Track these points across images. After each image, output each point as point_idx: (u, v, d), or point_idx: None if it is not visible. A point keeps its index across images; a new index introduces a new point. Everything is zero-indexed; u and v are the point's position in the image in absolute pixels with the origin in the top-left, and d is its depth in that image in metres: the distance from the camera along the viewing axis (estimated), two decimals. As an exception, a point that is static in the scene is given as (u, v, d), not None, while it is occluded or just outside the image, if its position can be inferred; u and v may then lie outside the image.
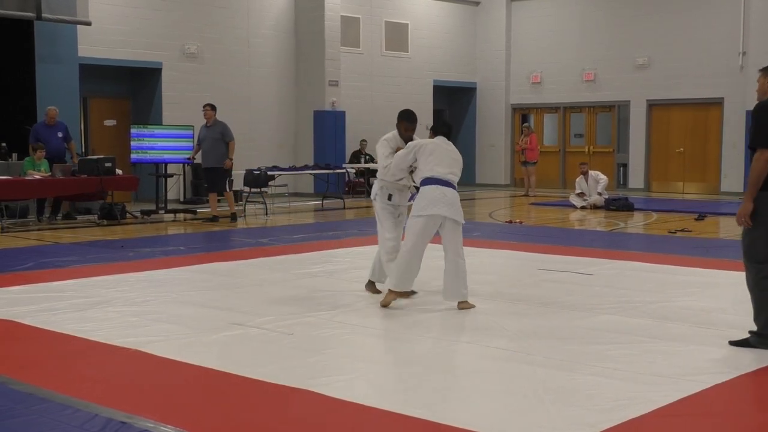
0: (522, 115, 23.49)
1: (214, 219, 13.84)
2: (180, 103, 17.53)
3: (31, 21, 14.61)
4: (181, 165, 17.23)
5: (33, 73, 14.94)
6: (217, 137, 13.76)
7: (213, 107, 13.91)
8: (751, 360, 5.21)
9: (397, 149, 7.07)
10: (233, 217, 14.00)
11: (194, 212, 15.13)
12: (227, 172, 13.98)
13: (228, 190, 14.24)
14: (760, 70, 5.67)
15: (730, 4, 19.66)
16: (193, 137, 17.45)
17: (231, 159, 13.84)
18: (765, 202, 5.34)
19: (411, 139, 7.15)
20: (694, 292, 7.44)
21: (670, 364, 5.15)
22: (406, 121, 7.20)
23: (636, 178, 21.48)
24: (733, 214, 5.39)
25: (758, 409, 4.47)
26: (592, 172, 16.80)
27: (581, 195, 16.74)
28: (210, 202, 14.26)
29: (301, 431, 4.09)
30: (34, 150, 13.56)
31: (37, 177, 13.05)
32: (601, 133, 22.45)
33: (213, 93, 18.09)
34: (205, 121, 13.94)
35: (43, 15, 14.35)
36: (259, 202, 15.85)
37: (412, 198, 7.12)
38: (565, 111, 22.72)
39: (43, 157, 13.56)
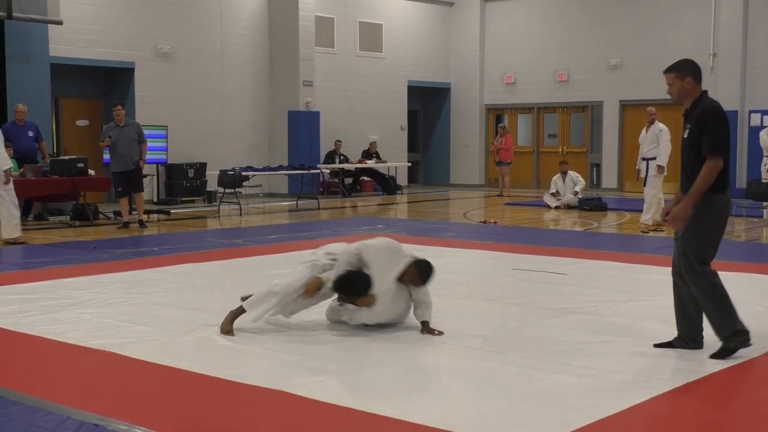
0: (496, 115, 23.58)
1: (126, 225, 12.95)
2: (153, 103, 17.44)
3: (1, 20, 14.44)
4: (155, 165, 17.14)
5: (3, 73, 14.76)
6: (134, 138, 12.91)
7: (124, 106, 13.16)
8: (721, 360, 5.25)
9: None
10: (141, 223, 13.11)
11: (168, 213, 15.04)
12: (141, 173, 13.34)
13: (142, 191, 13.46)
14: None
15: (701, 6, 19.86)
16: (166, 137, 17.40)
17: (144, 160, 13.18)
18: (709, 204, 5.27)
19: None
20: (666, 291, 7.43)
21: (642, 363, 5.19)
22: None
23: (609, 178, 21.63)
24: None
25: (728, 408, 4.51)
26: (571, 173, 16.93)
27: (555, 195, 16.83)
28: (122, 208, 13.20)
29: (275, 432, 4.08)
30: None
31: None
32: (574, 133, 22.57)
33: (186, 93, 18.05)
34: (116, 122, 12.94)
35: (13, 14, 14.17)
36: (233, 202, 15.81)
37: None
38: (539, 111, 22.83)
39: (11, 156, 13.39)
